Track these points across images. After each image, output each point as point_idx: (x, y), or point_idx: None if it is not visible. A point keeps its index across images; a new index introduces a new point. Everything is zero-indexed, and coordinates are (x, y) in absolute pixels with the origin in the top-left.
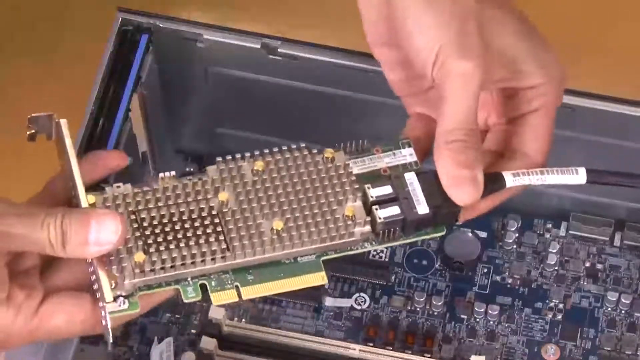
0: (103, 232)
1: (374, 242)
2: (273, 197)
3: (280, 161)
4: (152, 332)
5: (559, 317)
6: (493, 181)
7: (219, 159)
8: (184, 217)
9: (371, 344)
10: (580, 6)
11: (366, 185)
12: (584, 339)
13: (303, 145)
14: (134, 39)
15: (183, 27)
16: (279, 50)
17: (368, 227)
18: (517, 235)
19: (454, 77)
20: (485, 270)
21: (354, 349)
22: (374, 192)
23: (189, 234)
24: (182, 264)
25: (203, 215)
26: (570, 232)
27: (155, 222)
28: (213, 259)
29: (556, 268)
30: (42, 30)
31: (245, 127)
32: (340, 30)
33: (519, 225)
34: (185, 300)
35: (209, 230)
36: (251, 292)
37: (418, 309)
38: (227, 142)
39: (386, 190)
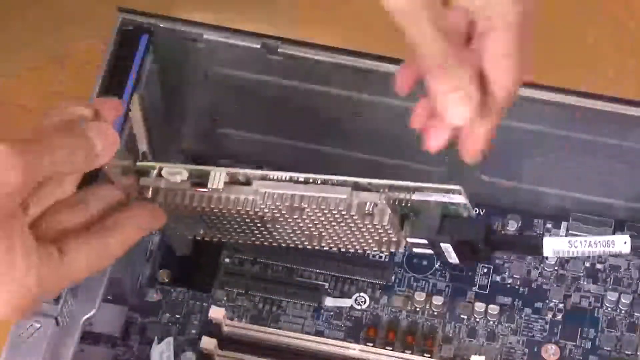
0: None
1: None
2: (312, 228)
3: (323, 210)
4: (152, 332)
5: (559, 317)
6: (530, 249)
7: (269, 176)
8: (233, 217)
9: (371, 344)
10: (581, 6)
11: (404, 236)
12: (584, 339)
13: (343, 196)
14: (134, 39)
15: (183, 27)
16: (279, 50)
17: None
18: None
19: (396, 17)
20: (485, 270)
21: (354, 349)
22: (410, 240)
23: (234, 227)
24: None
25: (249, 218)
26: (570, 232)
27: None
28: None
29: (556, 268)
30: (42, 29)
31: (245, 127)
32: (340, 30)
33: (519, 225)
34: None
35: (253, 227)
36: None
37: (418, 309)
38: (227, 142)
39: (422, 241)
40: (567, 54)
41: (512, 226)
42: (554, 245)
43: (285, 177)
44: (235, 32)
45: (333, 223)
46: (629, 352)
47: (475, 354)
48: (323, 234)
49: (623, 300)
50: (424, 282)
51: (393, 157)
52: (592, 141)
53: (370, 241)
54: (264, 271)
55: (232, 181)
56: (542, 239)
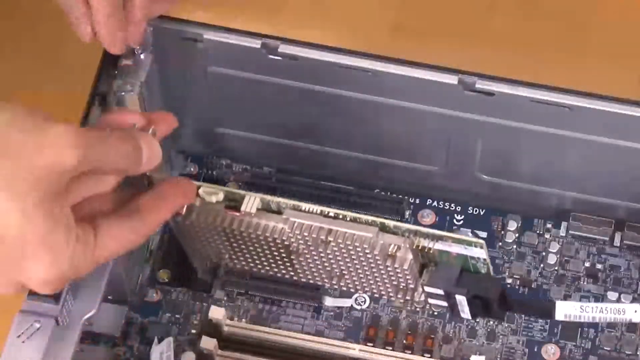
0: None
1: None
2: (334, 264)
3: (348, 246)
4: (152, 332)
5: None
6: (542, 312)
7: (301, 207)
8: (260, 244)
9: (371, 344)
10: (579, 5)
11: (421, 284)
12: (584, 339)
13: (374, 221)
14: None
15: (183, 27)
16: (279, 50)
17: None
18: (517, 235)
19: None
20: None
21: (354, 349)
22: (427, 289)
23: (259, 255)
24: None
25: (275, 247)
26: (570, 232)
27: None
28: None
29: (556, 268)
30: (42, 29)
31: (245, 127)
32: (340, 30)
33: (519, 225)
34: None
35: (278, 257)
36: None
37: (418, 309)
38: (227, 142)
39: (438, 291)
40: (566, 53)
41: (512, 226)
42: (566, 310)
43: (316, 210)
44: (235, 32)
45: (355, 261)
46: (629, 352)
47: (475, 354)
48: (344, 272)
49: (623, 300)
50: None
51: (393, 157)
52: (592, 141)
53: (387, 285)
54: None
55: (264, 208)
56: (554, 304)
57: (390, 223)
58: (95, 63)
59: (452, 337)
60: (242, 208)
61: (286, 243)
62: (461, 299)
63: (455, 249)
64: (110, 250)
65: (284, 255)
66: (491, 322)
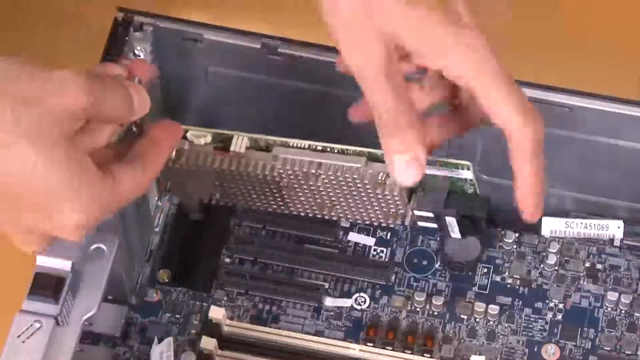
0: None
1: None
2: (325, 196)
3: (338, 177)
4: (152, 332)
5: (559, 317)
6: (529, 228)
7: (289, 143)
8: (251, 181)
9: (371, 344)
10: (578, 5)
11: (411, 208)
12: (584, 339)
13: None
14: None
15: (183, 27)
16: (279, 50)
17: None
18: (517, 235)
19: (352, 71)
20: (485, 270)
21: (354, 349)
22: (417, 212)
23: (250, 192)
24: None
25: (266, 183)
26: None
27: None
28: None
29: (556, 268)
30: (42, 29)
31: (245, 127)
32: None
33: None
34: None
35: (269, 193)
36: None
37: (418, 309)
38: None
39: (428, 214)
40: (566, 53)
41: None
42: (552, 226)
43: (305, 145)
44: (235, 32)
45: (345, 191)
46: (629, 352)
47: (475, 354)
48: (335, 203)
49: (623, 300)
50: (424, 282)
51: None
52: (592, 141)
53: (378, 212)
54: (264, 271)
55: (253, 146)
56: (540, 220)
57: (378, 152)
58: (95, 63)
59: (452, 337)
60: (231, 148)
61: (277, 179)
62: (450, 220)
63: (443, 172)
64: (127, 193)
65: (274, 190)
66: (491, 322)
